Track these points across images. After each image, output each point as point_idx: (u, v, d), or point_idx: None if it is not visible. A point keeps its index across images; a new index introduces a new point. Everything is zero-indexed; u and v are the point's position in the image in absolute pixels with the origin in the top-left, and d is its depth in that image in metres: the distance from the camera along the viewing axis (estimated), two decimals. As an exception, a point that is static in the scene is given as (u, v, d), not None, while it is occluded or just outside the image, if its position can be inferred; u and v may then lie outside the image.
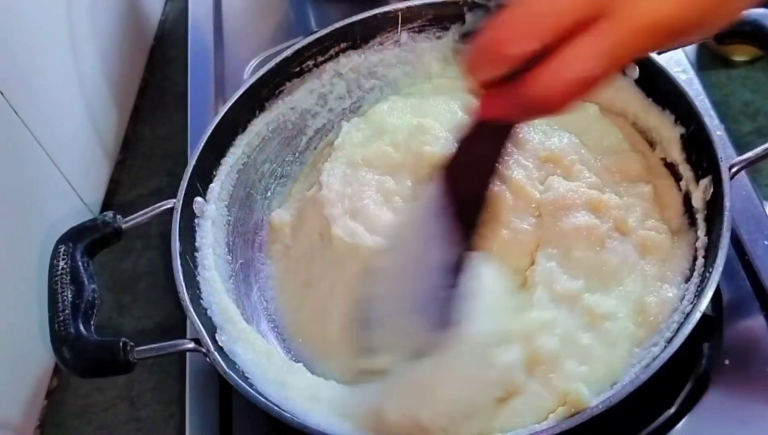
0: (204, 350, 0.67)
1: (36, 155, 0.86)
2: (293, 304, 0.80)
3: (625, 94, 0.82)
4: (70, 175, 0.92)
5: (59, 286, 0.68)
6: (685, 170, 0.77)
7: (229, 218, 0.82)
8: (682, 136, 0.77)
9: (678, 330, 0.63)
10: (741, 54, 0.99)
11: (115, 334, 0.73)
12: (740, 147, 0.84)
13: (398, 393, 0.65)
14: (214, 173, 0.82)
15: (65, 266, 0.69)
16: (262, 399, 0.64)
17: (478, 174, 0.56)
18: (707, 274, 0.65)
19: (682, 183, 0.77)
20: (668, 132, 0.78)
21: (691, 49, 0.99)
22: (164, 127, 1.12)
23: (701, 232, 0.72)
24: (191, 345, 0.68)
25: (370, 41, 0.91)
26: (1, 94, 0.79)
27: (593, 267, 0.72)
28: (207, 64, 1.08)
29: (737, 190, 0.80)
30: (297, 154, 0.91)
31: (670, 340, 0.64)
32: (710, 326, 0.73)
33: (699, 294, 0.66)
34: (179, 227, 0.74)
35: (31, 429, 0.83)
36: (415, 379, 0.65)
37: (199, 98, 1.04)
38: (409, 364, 0.64)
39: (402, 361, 0.64)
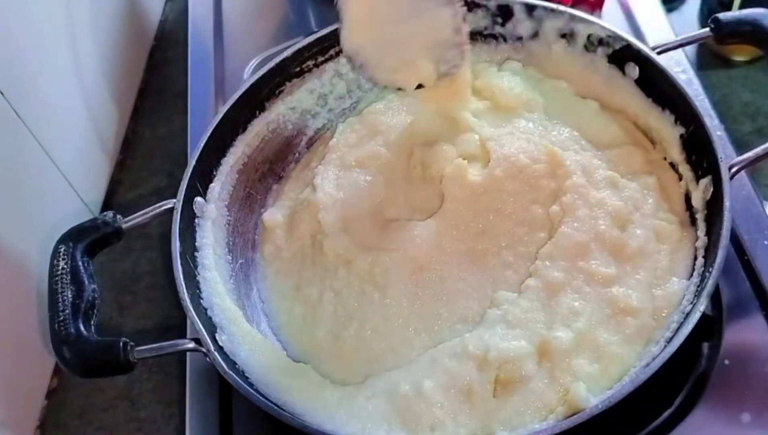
0: (204, 350, 0.67)
1: (36, 155, 0.86)
2: (285, 305, 0.80)
3: (624, 94, 0.82)
4: (70, 175, 0.92)
5: (59, 286, 0.68)
6: (685, 170, 0.77)
7: (229, 218, 0.82)
8: (682, 136, 0.77)
9: (677, 330, 0.63)
10: (741, 54, 0.99)
11: (115, 334, 0.73)
12: (740, 147, 0.84)
13: None
14: (214, 173, 0.82)
15: (65, 266, 0.69)
16: (262, 399, 0.64)
17: None
18: (707, 274, 0.65)
19: (682, 183, 0.77)
20: (668, 132, 0.78)
21: (691, 49, 0.99)
22: (164, 127, 1.12)
23: (701, 232, 0.72)
24: (191, 345, 0.68)
25: (370, 41, 0.91)
26: (1, 94, 0.79)
27: (615, 248, 0.72)
28: (207, 64, 1.08)
29: (737, 190, 0.80)
30: (297, 155, 0.91)
31: (669, 340, 0.64)
32: (710, 326, 0.73)
33: (699, 294, 0.66)
34: (179, 227, 0.74)
35: (31, 429, 0.83)
36: None
37: (199, 98, 1.04)
38: None
39: None
